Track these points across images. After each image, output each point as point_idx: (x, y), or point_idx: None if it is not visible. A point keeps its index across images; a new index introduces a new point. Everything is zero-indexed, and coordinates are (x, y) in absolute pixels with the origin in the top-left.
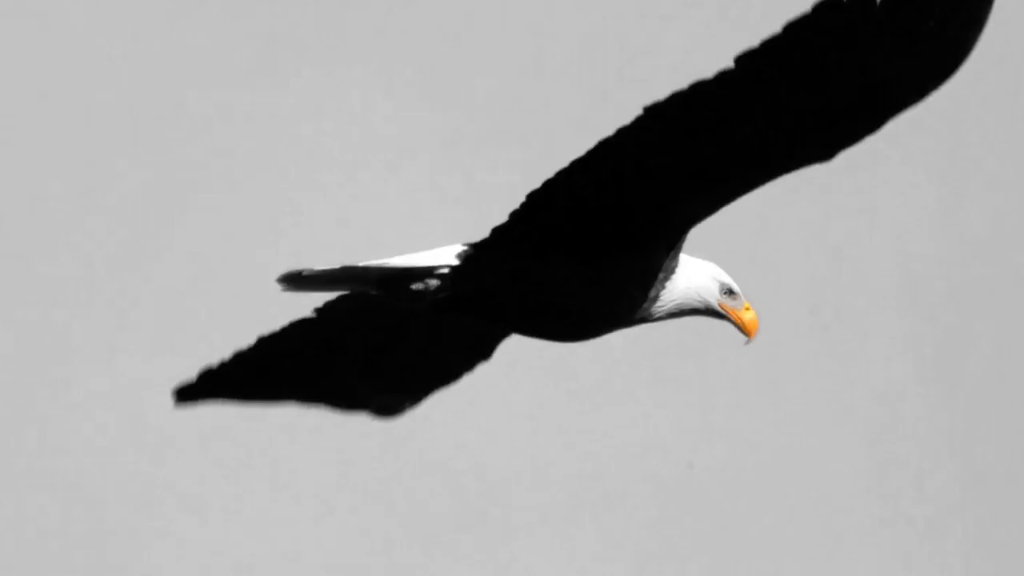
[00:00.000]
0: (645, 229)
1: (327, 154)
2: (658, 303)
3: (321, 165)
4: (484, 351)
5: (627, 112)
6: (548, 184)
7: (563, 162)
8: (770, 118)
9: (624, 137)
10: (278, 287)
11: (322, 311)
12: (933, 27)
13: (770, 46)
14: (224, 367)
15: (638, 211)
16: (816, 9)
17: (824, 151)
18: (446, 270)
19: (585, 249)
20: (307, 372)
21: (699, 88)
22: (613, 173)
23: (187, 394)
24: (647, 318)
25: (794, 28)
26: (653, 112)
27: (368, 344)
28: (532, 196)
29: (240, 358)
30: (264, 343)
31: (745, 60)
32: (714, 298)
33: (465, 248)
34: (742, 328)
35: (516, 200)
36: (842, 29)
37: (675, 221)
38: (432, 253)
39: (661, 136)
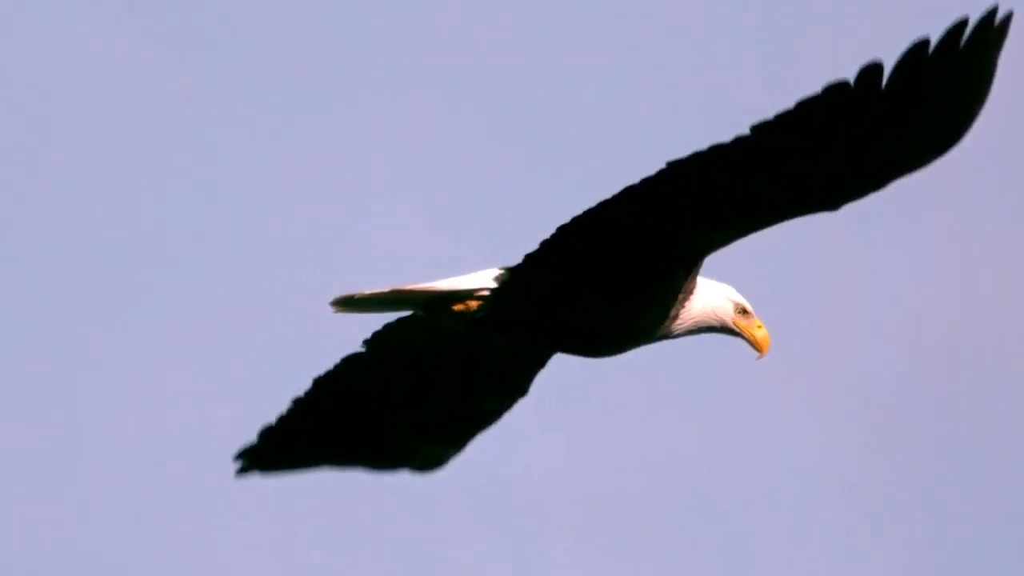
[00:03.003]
0: (666, 259)
1: (328, 157)
2: (678, 321)
3: (322, 169)
4: (521, 387)
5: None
6: (575, 222)
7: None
8: (781, 179)
9: (647, 187)
10: (329, 309)
11: (367, 350)
12: (933, 112)
13: (782, 120)
14: (281, 422)
15: (658, 248)
16: (826, 90)
17: (831, 205)
18: (486, 292)
19: (612, 276)
20: (357, 425)
21: (717, 150)
22: (635, 217)
23: (249, 458)
24: (668, 335)
25: (805, 106)
26: (674, 168)
27: (412, 387)
28: (562, 231)
29: (297, 405)
30: (319, 386)
31: (759, 130)
32: (729, 317)
33: (502, 272)
34: (754, 344)
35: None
36: (849, 109)
37: (692, 252)
38: (472, 277)
39: (680, 188)
